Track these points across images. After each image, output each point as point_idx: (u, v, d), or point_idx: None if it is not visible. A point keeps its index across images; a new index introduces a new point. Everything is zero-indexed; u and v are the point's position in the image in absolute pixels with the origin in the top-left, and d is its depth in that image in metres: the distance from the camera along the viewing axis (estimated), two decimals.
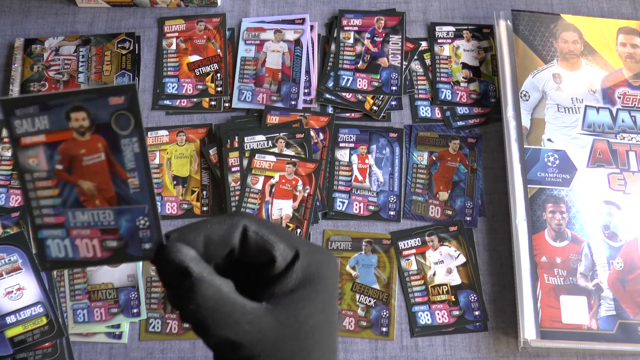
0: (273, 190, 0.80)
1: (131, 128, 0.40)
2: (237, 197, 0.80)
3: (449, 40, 0.90)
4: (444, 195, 0.82)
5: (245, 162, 0.82)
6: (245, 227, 0.38)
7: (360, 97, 0.86)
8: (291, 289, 0.37)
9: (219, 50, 0.90)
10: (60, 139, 0.40)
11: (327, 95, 0.87)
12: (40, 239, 0.40)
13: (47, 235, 0.40)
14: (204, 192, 0.83)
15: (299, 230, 0.79)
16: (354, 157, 0.84)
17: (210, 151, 0.84)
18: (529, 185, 0.77)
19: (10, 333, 0.73)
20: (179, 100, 0.88)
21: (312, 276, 0.38)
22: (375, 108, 0.86)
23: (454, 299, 0.77)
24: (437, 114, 0.86)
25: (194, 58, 0.89)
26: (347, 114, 0.86)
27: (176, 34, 0.91)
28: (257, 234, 0.38)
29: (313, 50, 0.89)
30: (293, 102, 0.86)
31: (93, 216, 0.40)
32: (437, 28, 0.90)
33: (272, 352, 0.36)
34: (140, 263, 0.79)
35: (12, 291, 0.75)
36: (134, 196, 0.40)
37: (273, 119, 0.85)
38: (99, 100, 0.39)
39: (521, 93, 0.82)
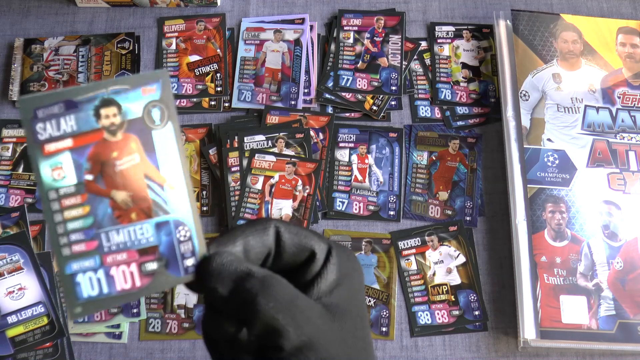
0: (273, 190, 0.80)
1: (165, 120, 0.35)
2: (237, 197, 0.80)
3: (449, 40, 0.90)
4: (443, 195, 0.82)
5: (245, 162, 0.82)
6: (277, 227, 0.35)
7: (360, 97, 0.86)
8: (336, 282, 0.35)
9: (218, 50, 0.90)
10: (89, 141, 0.34)
11: (327, 95, 0.87)
12: (69, 276, 0.33)
13: (77, 269, 0.33)
14: (204, 192, 0.83)
15: None
16: (354, 157, 0.84)
17: (210, 151, 0.84)
18: (528, 185, 0.77)
19: (11, 333, 0.73)
20: (178, 100, 0.88)
21: (348, 267, 0.36)
22: (375, 108, 0.86)
23: (453, 299, 0.77)
24: (437, 114, 0.86)
25: (194, 58, 0.89)
26: (347, 114, 0.86)
27: (176, 34, 0.91)
28: (291, 232, 0.35)
29: (313, 50, 0.89)
30: (293, 102, 0.86)
31: (130, 234, 0.34)
32: (436, 28, 0.90)
33: (336, 348, 0.34)
34: None
35: (13, 291, 0.75)
36: (171, 202, 0.35)
37: (273, 119, 0.85)
38: (131, 91, 0.34)
39: (521, 93, 0.82)
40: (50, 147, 0.33)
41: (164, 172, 0.35)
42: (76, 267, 0.33)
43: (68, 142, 0.33)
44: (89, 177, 0.34)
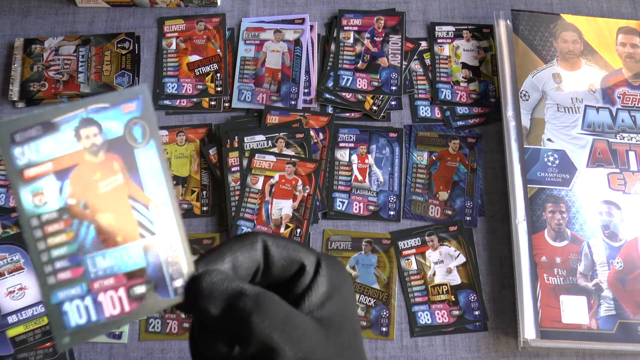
0: (273, 190, 0.80)
1: (147, 137, 0.34)
2: (237, 197, 0.80)
3: (449, 40, 0.90)
4: (443, 195, 0.82)
5: (245, 162, 0.82)
6: (265, 241, 0.34)
7: (360, 97, 0.86)
8: (327, 295, 0.34)
9: (218, 50, 0.90)
10: (71, 164, 0.32)
11: (327, 95, 0.87)
12: (55, 305, 0.31)
13: (63, 298, 0.32)
14: (204, 192, 0.83)
15: (298, 230, 0.79)
16: (354, 157, 0.84)
17: (210, 151, 0.84)
18: (528, 185, 0.77)
19: (11, 333, 0.73)
20: (178, 100, 0.88)
21: (337, 278, 0.36)
22: (375, 108, 0.86)
23: (453, 299, 0.77)
24: (437, 114, 0.86)
25: (194, 58, 0.89)
26: (347, 114, 0.86)
27: (176, 34, 0.91)
28: (279, 246, 0.34)
29: (313, 50, 0.89)
30: (293, 102, 0.86)
31: (116, 258, 0.33)
32: (436, 28, 0.90)
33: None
34: None
35: (13, 291, 0.75)
36: (157, 221, 0.34)
37: (273, 119, 0.85)
38: (110, 109, 0.33)
39: (521, 93, 0.82)
40: (30, 172, 0.31)
41: (148, 192, 0.33)
42: (62, 296, 0.32)
43: (48, 166, 0.31)
44: (72, 201, 0.32)
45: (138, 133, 0.33)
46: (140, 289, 0.33)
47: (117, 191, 0.33)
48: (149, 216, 0.33)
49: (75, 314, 0.32)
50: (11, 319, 0.74)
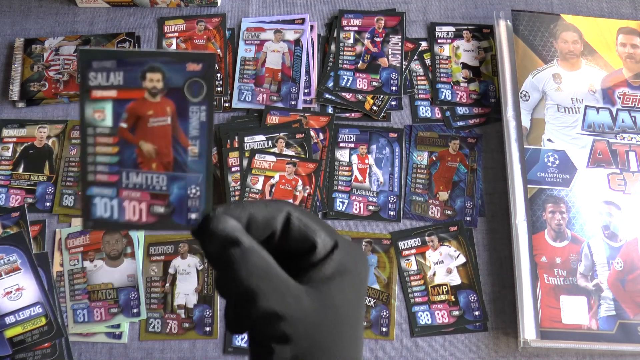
0: (273, 190, 0.80)
1: (202, 96, 0.40)
2: (237, 197, 0.80)
3: (449, 40, 0.90)
4: (444, 195, 0.82)
5: (245, 162, 0.82)
6: (289, 213, 0.38)
7: (360, 97, 0.86)
8: (328, 276, 0.38)
9: (219, 50, 0.90)
10: (131, 97, 0.40)
11: (327, 95, 0.87)
12: (89, 196, 0.39)
13: (96, 193, 0.39)
14: None
15: None
16: (354, 157, 0.84)
17: None
18: (529, 186, 0.77)
19: (9, 333, 0.73)
20: None
21: (348, 268, 0.39)
22: (375, 108, 0.86)
23: (453, 299, 0.77)
24: (437, 114, 0.86)
25: None
26: (347, 114, 0.86)
27: (176, 34, 0.91)
28: (300, 221, 0.38)
29: (313, 50, 0.89)
30: (293, 102, 0.86)
31: (147, 179, 0.40)
32: (437, 28, 0.90)
33: (309, 331, 0.37)
34: (141, 263, 0.79)
35: (11, 291, 0.75)
36: (191, 164, 0.40)
37: (273, 119, 0.85)
38: (178, 64, 0.39)
39: (521, 93, 0.82)
40: (97, 93, 0.39)
41: (190, 139, 0.39)
42: (96, 192, 0.39)
43: (113, 93, 0.39)
44: (124, 125, 0.39)
45: (196, 90, 0.39)
46: (159, 209, 0.40)
47: (163, 129, 0.39)
48: (185, 157, 0.40)
49: (102, 208, 0.39)
50: (9, 320, 0.74)
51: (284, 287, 0.37)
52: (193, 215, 0.40)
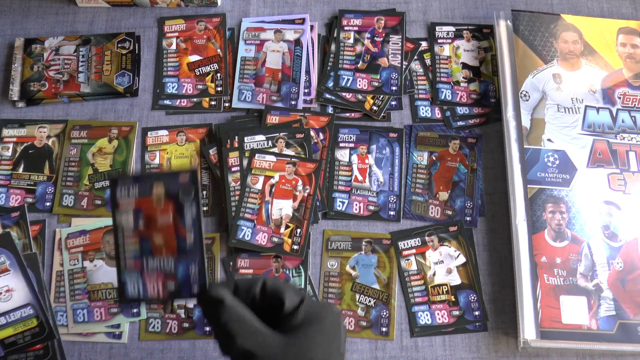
0: (273, 190, 0.80)
1: (192, 198, 0.55)
2: (237, 197, 0.80)
3: (449, 40, 0.90)
4: (444, 195, 0.82)
5: (245, 162, 0.82)
6: (264, 280, 0.51)
7: (360, 97, 0.86)
8: (296, 325, 0.49)
9: (219, 50, 0.90)
10: (144, 204, 0.55)
11: (327, 95, 0.87)
12: (123, 282, 0.54)
13: (127, 278, 0.54)
14: (204, 192, 0.83)
15: (299, 230, 0.78)
16: (354, 157, 0.84)
17: (210, 151, 0.84)
18: (529, 185, 0.77)
19: (0, 335, 0.73)
20: (179, 100, 0.88)
21: (314, 318, 0.50)
22: (375, 108, 0.86)
23: (453, 299, 0.77)
24: (437, 114, 0.86)
25: (194, 58, 0.89)
26: (347, 114, 0.86)
27: (176, 34, 0.91)
28: (273, 285, 0.51)
29: (313, 50, 0.89)
30: (293, 102, 0.86)
31: (160, 263, 0.54)
32: (437, 28, 0.90)
33: None
34: None
35: (1, 292, 0.75)
36: (189, 249, 0.54)
37: (273, 119, 0.85)
38: (173, 177, 0.56)
39: (521, 93, 0.82)
40: (122, 202, 0.54)
41: (187, 230, 0.54)
42: (127, 276, 0.54)
43: (132, 202, 0.54)
44: (141, 225, 0.54)
45: (187, 194, 0.55)
46: (171, 286, 0.53)
47: (168, 225, 0.54)
48: (184, 244, 0.54)
49: (131, 288, 0.53)
50: None
51: (256, 331, 0.48)
52: (195, 288, 0.53)
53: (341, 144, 0.84)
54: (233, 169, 0.81)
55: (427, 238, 0.79)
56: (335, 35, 0.90)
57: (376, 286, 0.78)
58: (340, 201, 0.81)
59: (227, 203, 0.80)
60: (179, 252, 0.54)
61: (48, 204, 0.82)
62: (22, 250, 0.79)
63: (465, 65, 0.88)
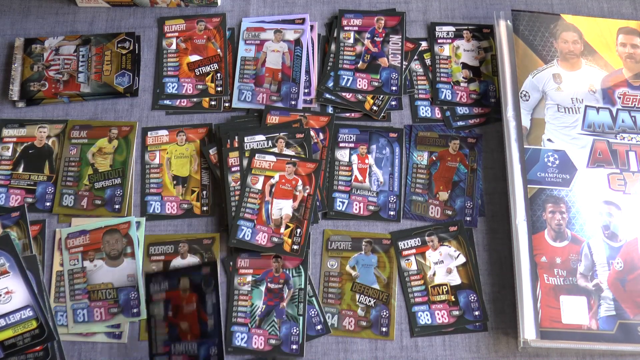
0: (273, 190, 0.80)
1: (212, 287, 0.70)
2: (237, 197, 0.80)
3: (449, 40, 0.90)
4: (444, 195, 0.82)
5: (245, 162, 0.82)
6: None
7: (360, 97, 0.86)
8: None
9: (219, 50, 0.90)
10: (173, 295, 0.69)
11: (327, 95, 0.87)
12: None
13: None
14: (204, 192, 0.83)
15: (298, 230, 0.78)
16: (354, 157, 0.84)
17: (210, 151, 0.84)
18: (529, 185, 0.77)
19: (0, 337, 0.73)
20: (179, 100, 0.88)
21: None
22: (375, 108, 0.86)
23: (453, 299, 0.77)
24: (437, 114, 0.86)
25: (194, 58, 0.89)
26: (347, 114, 0.86)
27: (176, 34, 0.91)
28: None
29: (313, 50, 0.89)
30: (293, 102, 0.86)
31: (186, 347, 0.66)
32: (437, 28, 0.90)
33: None
34: (141, 263, 0.79)
35: (0, 294, 0.75)
36: (210, 332, 0.66)
37: (273, 119, 0.85)
38: (197, 270, 0.71)
39: (521, 93, 0.82)
40: (155, 296, 0.72)
41: (208, 316, 0.68)
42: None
43: (163, 294, 0.71)
44: (170, 313, 0.69)
45: (208, 285, 0.70)
46: None
47: (192, 312, 0.69)
48: (206, 328, 0.67)
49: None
50: None
51: None
52: None
53: (341, 144, 0.84)
54: (233, 169, 0.81)
55: (427, 238, 0.79)
56: (335, 35, 0.90)
57: (376, 286, 0.78)
58: (340, 201, 0.81)
59: (227, 203, 0.80)
60: (201, 335, 0.68)
61: (48, 204, 0.82)
62: (22, 250, 0.79)
63: (465, 65, 0.88)
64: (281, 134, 0.83)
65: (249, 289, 0.78)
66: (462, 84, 0.87)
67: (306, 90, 0.87)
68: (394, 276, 0.78)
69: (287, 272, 0.78)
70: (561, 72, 0.83)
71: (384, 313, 0.77)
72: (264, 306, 0.77)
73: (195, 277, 0.71)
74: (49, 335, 0.74)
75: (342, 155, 0.84)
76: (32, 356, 0.74)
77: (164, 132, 0.86)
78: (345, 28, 0.90)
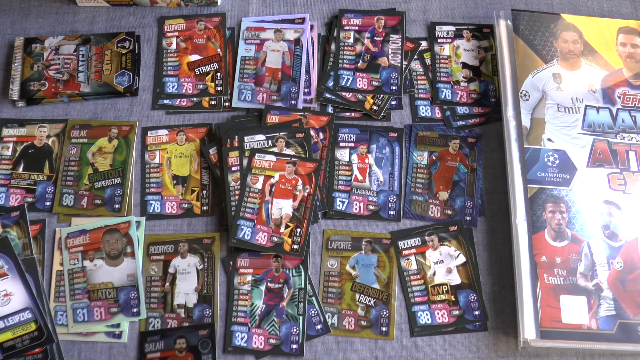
0: (273, 189, 0.80)
1: (209, 349, 0.72)
2: (237, 197, 0.80)
3: (449, 40, 0.90)
4: (444, 195, 0.82)
5: (245, 162, 0.82)
6: None
7: (360, 96, 0.86)
8: None
9: (219, 50, 0.90)
10: (168, 355, 0.72)
11: (327, 95, 0.87)
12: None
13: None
14: (204, 192, 0.83)
15: (298, 230, 0.78)
16: (354, 157, 0.84)
17: (210, 151, 0.84)
18: (529, 185, 0.77)
19: None
20: (179, 100, 0.88)
21: None
22: (375, 107, 0.86)
23: (453, 299, 0.77)
24: (437, 114, 0.86)
25: (194, 57, 0.89)
26: (347, 114, 0.86)
27: (176, 34, 0.91)
28: None
29: (313, 49, 0.89)
30: (293, 102, 0.86)
31: None
32: (437, 28, 0.90)
33: None
34: (141, 262, 0.79)
35: None
36: None
37: (273, 119, 0.85)
38: (194, 332, 0.72)
39: (521, 93, 0.82)
40: (150, 356, 0.74)
41: None
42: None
43: (158, 354, 0.74)
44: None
45: (205, 346, 0.73)
46: None
47: None
48: None
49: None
50: None
51: None
52: None
53: (341, 144, 0.84)
54: (233, 169, 0.81)
55: (427, 238, 0.79)
56: (335, 34, 0.90)
57: (376, 286, 0.78)
58: (340, 201, 0.81)
59: (227, 203, 0.80)
60: None
61: (48, 203, 0.82)
62: (22, 249, 0.79)
63: (465, 65, 0.88)
64: (281, 133, 0.83)
65: (249, 288, 0.78)
66: (462, 84, 0.87)
67: (306, 90, 0.87)
68: (394, 276, 0.78)
69: (287, 271, 0.78)
70: (561, 72, 0.83)
71: (384, 313, 0.77)
72: (264, 306, 0.77)
73: (192, 338, 0.73)
74: (48, 338, 0.74)
75: (342, 154, 0.84)
76: (31, 358, 0.74)
77: (164, 131, 0.86)
78: (345, 27, 0.90)
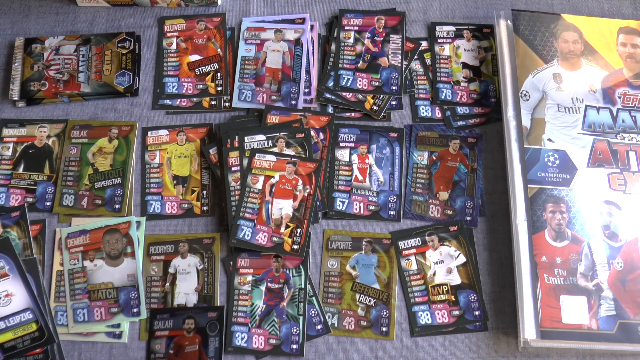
0: (273, 189, 0.80)
1: (216, 332, 0.72)
2: (237, 197, 0.80)
3: (449, 40, 0.90)
4: (444, 195, 0.82)
5: (245, 162, 0.82)
6: None
7: (360, 96, 0.86)
8: None
9: (219, 50, 0.90)
10: (176, 334, 0.73)
11: (328, 95, 0.87)
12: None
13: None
14: (204, 192, 0.83)
15: (299, 230, 0.78)
16: (354, 157, 0.84)
17: (211, 151, 0.84)
18: (529, 185, 0.77)
19: (0, 339, 0.73)
20: (179, 100, 0.88)
21: None
22: (375, 108, 0.86)
23: (454, 299, 0.77)
24: (437, 114, 0.86)
25: (194, 57, 0.89)
26: (347, 114, 0.86)
27: (176, 34, 0.91)
28: None
29: (313, 49, 0.89)
30: (293, 102, 0.86)
31: None
32: (437, 28, 0.90)
33: None
34: (141, 262, 0.79)
35: (0, 297, 0.74)
36: None
37: (273, 119, 0.85)
38: (203, 313, 0.73)
39: (521, 93, 0.82)
40: (158, 333, 0.74)
41: (209, 358, 0.72)
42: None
43: (166, 332, 0.74)
44: (171, 351, 0.73)
45: (212, 328, 0.73)
46: None
47: (194, 352, 0.73)
48: None
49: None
50: None
51: None
52: None
53: (341, 144, 0.84)
54: (233, 169, 0.81)
55: (427, 238, 0.79)
56: (335, 34, 0.90)
57: (376, 286, 0.78)
58: (340, 201, 0.81)
59: (227, 203, 0.80)
60: None
61: (48, 203, 0.82)
62: (22, 249, 0.79)
63: (465, 65, 0.88)
64: (281, 133, 0.83)
65: (249, 288, 0.78)
66: (462, 84, 0.87)
67: (306, 90, 0.87)
68: (394, 276, 0.78)
69: (287, 271, 0.78)
70: (561, 72, 0.83)
71: (384, 313, 0.77)
72: (264, 306, 0.77)
73: (200, 320, 0.73)
74: (49, 338, 0.74)
75: (342, 155, 0.84)
76: (32, 359, 0.74)
77: (164, 131, 0.86)
78: (346, 28, 0.90)
